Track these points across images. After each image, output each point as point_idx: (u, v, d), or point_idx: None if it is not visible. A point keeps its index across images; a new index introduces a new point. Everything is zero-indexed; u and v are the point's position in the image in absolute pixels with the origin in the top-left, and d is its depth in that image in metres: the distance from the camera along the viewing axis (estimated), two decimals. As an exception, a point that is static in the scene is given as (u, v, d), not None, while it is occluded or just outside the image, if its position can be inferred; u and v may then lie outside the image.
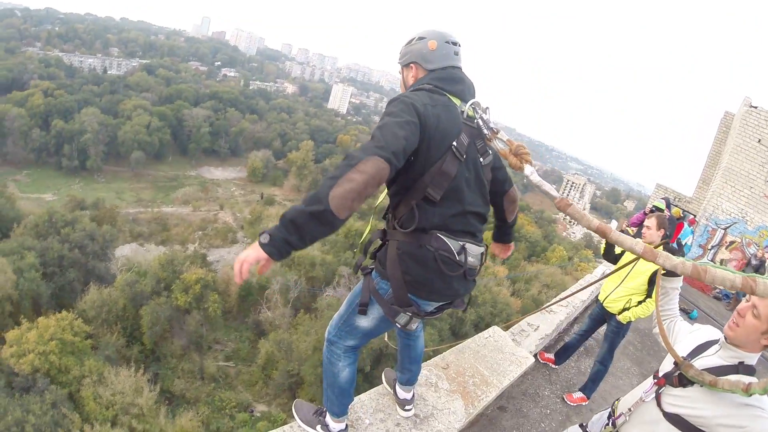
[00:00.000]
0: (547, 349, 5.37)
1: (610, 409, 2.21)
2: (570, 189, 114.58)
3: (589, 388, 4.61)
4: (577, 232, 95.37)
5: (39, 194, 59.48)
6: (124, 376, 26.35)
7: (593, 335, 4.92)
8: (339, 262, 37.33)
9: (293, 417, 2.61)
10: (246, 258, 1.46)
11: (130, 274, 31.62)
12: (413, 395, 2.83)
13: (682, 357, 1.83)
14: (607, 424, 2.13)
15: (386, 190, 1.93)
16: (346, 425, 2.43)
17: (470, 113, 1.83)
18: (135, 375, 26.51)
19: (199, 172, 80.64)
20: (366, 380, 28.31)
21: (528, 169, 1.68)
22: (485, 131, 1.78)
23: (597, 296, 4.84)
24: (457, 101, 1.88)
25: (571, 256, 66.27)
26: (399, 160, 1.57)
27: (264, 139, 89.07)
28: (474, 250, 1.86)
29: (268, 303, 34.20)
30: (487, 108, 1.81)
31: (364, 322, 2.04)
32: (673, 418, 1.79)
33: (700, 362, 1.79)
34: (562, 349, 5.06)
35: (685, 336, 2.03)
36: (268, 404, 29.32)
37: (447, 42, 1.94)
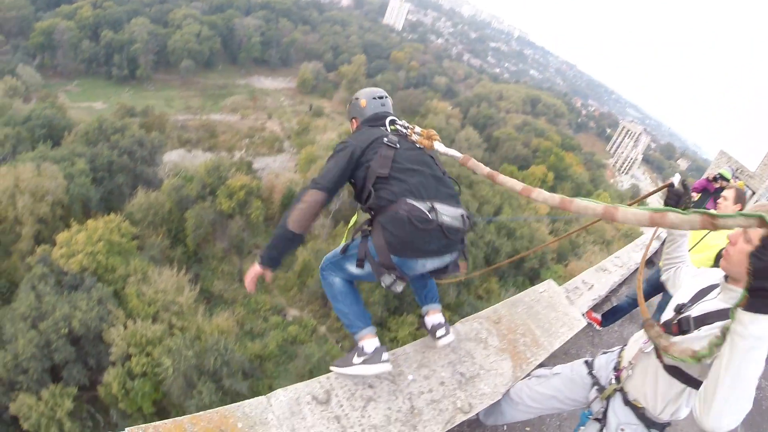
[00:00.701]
0: (594, 308, 5.13)
1: (616, 360, 2.21)
2: (625, 136, 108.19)
3: (609, 318, 4.80)
4: (625, 182, 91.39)
5: (89, 103, 60.68)
6: (167, 276, 27.75)
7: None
8: None
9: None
10: (250, 274, 2.25)
11: (176, 179, 32.63)
12: (445, 321, 2.79)
13: (683, 303, 1.85)
14: (613, 379, 2.15)
15: (358, 204, 2.35)
16: (377, 337, 2.54)
17: (392, 128, 2.48)
18: (177, 275, 27.92)
19: (248, 81, 79.95)
20: (397, 297, 29.05)
21: (436, 145, 2.35)
22: (404, 131, 2.43)
23: (653, 260, 4.66)
24: (383, 128, 2.50)
25: (615, 204, 63.90)
26: (334, 185, 2.23)
27: (315, 51, 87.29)
28: (447, 210, 2.14)
29: (309, 212, 34.74)
30: (403, 123, 2.49)
31: (355, 270, 2.32)
32: (671, 370, 1.79)
33: (701, 307, 1.75)
34: (611, 312, 4.89)
35: (688, 281, 2.02)
36: (301, 310, 30.71)
37: (374, 98, 2.63)
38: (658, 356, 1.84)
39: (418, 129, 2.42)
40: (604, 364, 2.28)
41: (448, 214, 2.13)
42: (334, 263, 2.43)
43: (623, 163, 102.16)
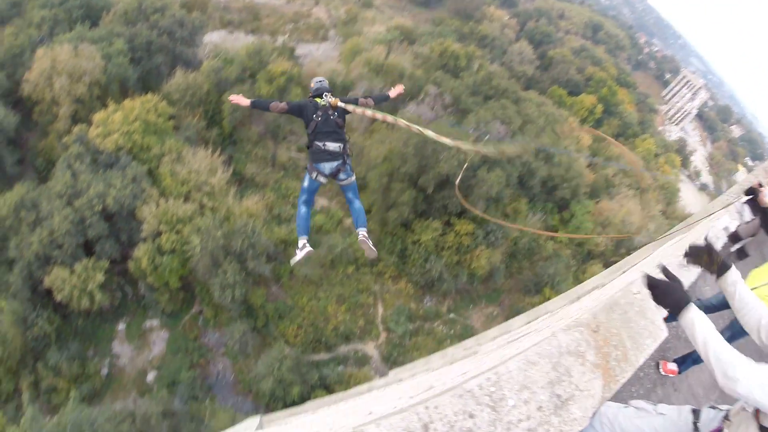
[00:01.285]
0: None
1: (724, 413, 2.26)
2: (683, 86, 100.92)
3: (686, 364, 4.33)
4: (673, 133, 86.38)
5: (129, -19, 59.00)
6: (201, 157, 27.71)
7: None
8: (428, 79, 35.77)
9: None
10: (240, 100, 4.81)
11: (216, 60, 31.90)
12: (367, 237, 4.81)
13: None
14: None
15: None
16: (306, 242, 4.74)
17: (323, 103, 4.87)
18: (211, 156, 27.85)
19: (296, -37, 75.67)
20: (426, 201, 28.60)
21: (340, 103, 4.87)
22: (327, 104, 4.84)
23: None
24: (318, 100, 4.92)
25: (658, 153, 60.88)
26: (290, 109, 4.90)
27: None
28: (331, 145, 4.75)
29: (348, 104, 33.96)
30: (328, 95, 4.97)
31: (305, 183, 4.90)
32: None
33: None
34: (691, 359, 4.43)
35: None
36: (329, 200, 30.80)
37: (316, 82, 5.14)
38: (757, 417, 1.96)
39: (332, 98, 4.88)
40: (711, 418, 2.33)
41: (332, 146, 4.73)
42: (300, 192, 4.98)
43: (676, 113, 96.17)
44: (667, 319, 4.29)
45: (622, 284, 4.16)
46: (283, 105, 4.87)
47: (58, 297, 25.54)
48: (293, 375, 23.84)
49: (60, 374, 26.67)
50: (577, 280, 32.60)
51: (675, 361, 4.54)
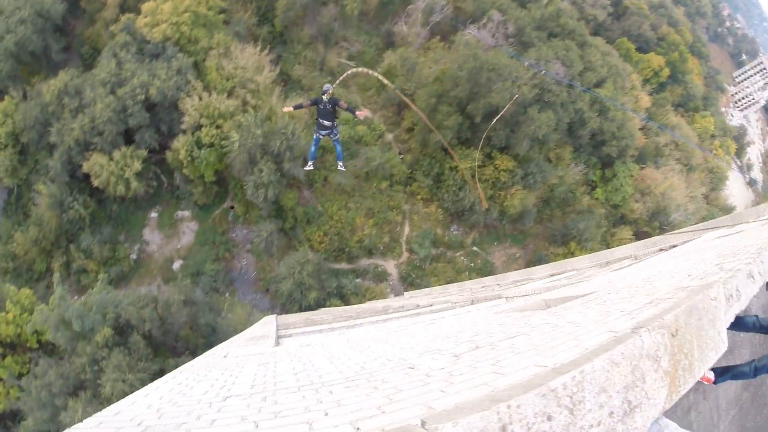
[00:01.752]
0: None
1: None
2: (757, 72, 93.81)
3: (724, 377, 4.15)
4: (735, 118, 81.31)
5: None
6: (249, 53, 27.14)
7: None
8: (493, 3, 33.93)
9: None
10: (287, 109, 9.74)
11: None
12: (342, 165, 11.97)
13: None
14: None
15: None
16: (311, 164, 11.52)
17: (324, 98, 10.08)
18: (259, 54, 27.26)
19: None
20: (471, 129, 27.57)
21: (332, 98, 10.28)
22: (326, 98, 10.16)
23: None
24: (323, 97, 10.13)
25: (715, 134, 57.56)
26: (312, 102, 10.23)
27: None
28: (325, 122, 10.40)
29: (407, 18, 33.05)
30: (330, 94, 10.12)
31: (314, 136, 10.91)
32: None
33: None
34: (729, 372, 4.25)
35: None
36: (374, 112, 30.22)
37: (324, 86, 10.14)
38: None
39: (330, 93, 9.92)
40: None
41: (325, 123, 10.36)
42: (313, 141, 11.03)
43: (742, 99, 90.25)
44: (715, 380, 4.27)
45: (685, 277, 3.88)
46: (308, 102, 10.30)
47: (95, 183, 26.15)
48: (312, 280, 24.13)
49: (91, 257, 27.55)
50: (605, 242, 31.87)
51: (713, 369, 4.32)
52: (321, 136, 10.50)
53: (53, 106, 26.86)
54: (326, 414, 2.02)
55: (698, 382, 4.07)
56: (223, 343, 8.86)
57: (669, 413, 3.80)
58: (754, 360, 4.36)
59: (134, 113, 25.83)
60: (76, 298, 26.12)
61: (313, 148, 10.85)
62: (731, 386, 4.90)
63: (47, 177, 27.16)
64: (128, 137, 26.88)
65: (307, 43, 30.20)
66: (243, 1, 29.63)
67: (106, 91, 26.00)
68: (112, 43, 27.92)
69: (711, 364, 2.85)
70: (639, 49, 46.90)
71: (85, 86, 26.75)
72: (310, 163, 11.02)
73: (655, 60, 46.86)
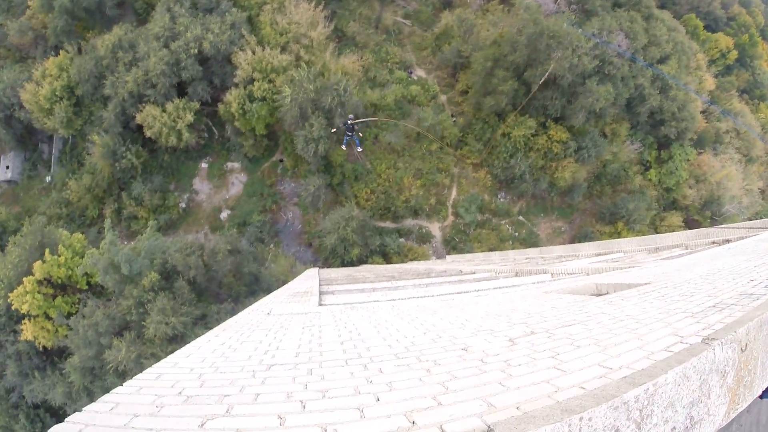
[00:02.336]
0: None
1: None
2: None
3: None
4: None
5: None
6: (303, 9, 26.97)
7: None
8: None
9: None
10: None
11: None
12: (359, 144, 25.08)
13: None
14: None
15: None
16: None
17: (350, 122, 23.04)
18: (314, 9, 27.04)
19: None
20: (526, 96, 26.90)
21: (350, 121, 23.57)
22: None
23: None
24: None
25: (788, 126, 54.24)
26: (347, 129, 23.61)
27: None
28: (348, 133, 23.72)
29: (467, -24, 32.07)
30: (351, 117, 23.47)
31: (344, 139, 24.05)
32: None
33: None
34: None
35: None
36: (428, 72, 29.80)
37: (350, 116, 23.69)
38: None
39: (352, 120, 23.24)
40: None
41: (348, 134, 23.31)
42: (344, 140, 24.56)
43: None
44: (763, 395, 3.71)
45: (746, 282, 3.73)
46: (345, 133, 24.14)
47: (148, 133, 26.75)
48: (356, 236, 24.21)
49: (141, 204, 28.43)
50: (653, 225, 30.74)
51: None
52: (347, 139, 23.61)
53: (107, 59, 27.57)
54: (378, 399, 1.86)
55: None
56: (267, 296, 8.70)
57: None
58: None
59: (187, 66, 26.17)
60: (125, 243, 26.96)
61: (344, 140, 23.88)
62: None
63: (101, 127, 27.93)
64: (181, 90, 27.35)
65: (362, 1, 29.84)
66: (300, -46, 29.25)
67: (160, 45, 26.41)
68: (166, -1, 28.26)
69: None
70: (707, 28, 44.30)
71: (139, 40, 27.34)
72: (342, 146, 20.88)
73: (723, 41, 44.16)
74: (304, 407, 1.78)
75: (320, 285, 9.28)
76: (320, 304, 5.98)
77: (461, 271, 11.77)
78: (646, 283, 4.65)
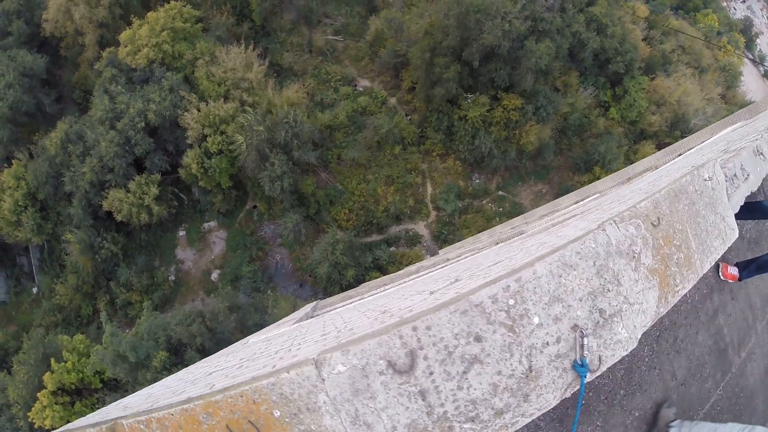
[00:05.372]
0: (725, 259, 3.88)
1: None
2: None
3: (749, 270, 3.71)
4: (739, 10, 77.92)
5: None
6: (235, 54, 27.06)
7: None
8: None
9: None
10: None
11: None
12: None
13: None
14: None
15: None
16: None
17: None
18: (245, 51, 27.16)
19: None
20: (472, 75, 27.12)
21: None
22: None
23: None
24: None
25: (721, 31, 55.18)
26: None
27: None
28: None
29: (383, -24, 32.38)
30: None
31: None
32: None
33: None
34: (755, 264, 3.74)
35: None
36: (372, 80, 30.00)
37: None
38: None
39: None
40: None
41: None
42: None
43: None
44: (741, 277, 3.82)
45: (685, 166, 3.30)
46: None
47: (119, 217, 26.59)
48: (347, 258, 24.21)
49: (132, 289, 28.18)
50: (629, 160, 30.96)
51: (737, 265, 3.82)
52: None
53: (60, 156, 27.44)
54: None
55: (722, 281, 3.74)
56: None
57: (686, 321, 3.41)
58: None
59: (138, 142, 26.13)
60: (127, 331, 26.74)
61: None
62: (765, 281, 4.31)
63: (72, 225, 27.73)
64: (139, 166, 27.26)
65: (290, 29, 29.96)
66: (216, 4, 29.42)
67: (106, 128, 26.41)
68: (100, 81, 28.23)
69: (716, 257, 2.53)
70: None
71: (85, 129, 27.26)
72: None
73: (645, -34, 44.89)
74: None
75: (314, 310, 9.18)
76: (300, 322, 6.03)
77: (448, 259, 11.72)
78: (594, 209, 4.54)
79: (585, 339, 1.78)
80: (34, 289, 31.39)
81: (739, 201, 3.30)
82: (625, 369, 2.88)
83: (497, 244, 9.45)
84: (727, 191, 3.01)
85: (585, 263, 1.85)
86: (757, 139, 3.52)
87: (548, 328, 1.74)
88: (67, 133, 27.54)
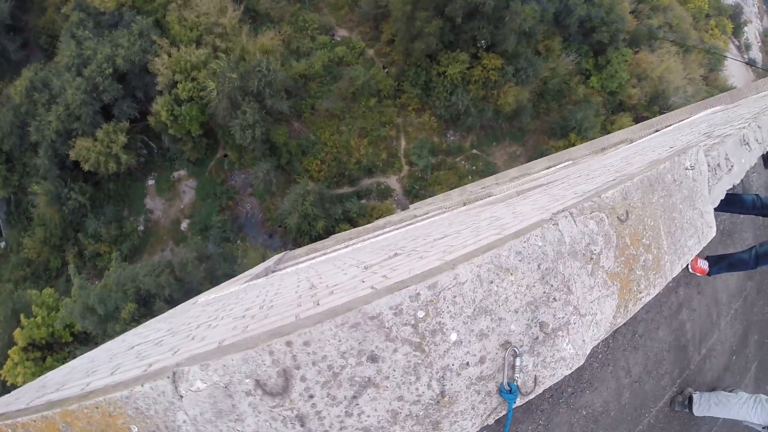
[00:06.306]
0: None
1: None
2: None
3: (720, 267, 3.56)
4: (729, -5, 78.04)
5: None
6: (208, -4, 26.31)
7: None
8: None
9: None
10: None
11: None
12: None
13: None
14: None
15: None
16: None
17: None
18: (220, -5, 26.41)
19: None
20: (453, 32, 26.68)
21: None
22: None
23: None
24: None
25: (709, 14, 55.30)
26: None
27: None
28: None
29: None
30: None
31: None
32: None
33: None
34: (726, 261, 3.59)
35: None
36: (350, 30, 29.42)
37: None
38: None
39: None
40: None
41: None
42: None
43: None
44: (710, 271, 3.68)
45: (662, 145, 3.02)
46: None
47: (86, 167, 25.88)
48: (317, 209, 24.03)
49: (101, 240, 27.72)
50: (605, 130, 31.05)
51: (707, 258, 3.65)
52: None
53: (25, 105, 26.55)
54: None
55: (690, 274, 3.51)
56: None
57: (648, 315, 3.20)
58: (755, 246, 3.61)
59: (106, 88, 25.31)
60: (96, 283, 26.32)
61: None
62: (732, 277, 4.14)
63: (38, 176, 27.07)
64: (107, 114, 26.42)
65: (267, -27, 29.13)
66: (189, -55, 28.24)
67: (73, 75, 25.48)
68: (67, 25, 27.17)
69: (691, 256, 2.22)
70: None
71: (51, 76, 26.30)
72: None
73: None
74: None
75: (276, 264, 8.85)
76: (254, 280, 5.73)
77: (415, 216, 11.53)
78: (560, 180, 4.26)
79: (518, 359, 1.49)
80: (2, 244, 30.69)
81: (720, 195, 3.01)
82: (576, 366, 2.70)
83: (465, 204, 9.30)
84: (708, 183, 2.63)
85: (526, 266, 1.52)
86: (743, 128, 3.26)
87: (470, 346, 1.44)
88: (32, 80, 26.62)
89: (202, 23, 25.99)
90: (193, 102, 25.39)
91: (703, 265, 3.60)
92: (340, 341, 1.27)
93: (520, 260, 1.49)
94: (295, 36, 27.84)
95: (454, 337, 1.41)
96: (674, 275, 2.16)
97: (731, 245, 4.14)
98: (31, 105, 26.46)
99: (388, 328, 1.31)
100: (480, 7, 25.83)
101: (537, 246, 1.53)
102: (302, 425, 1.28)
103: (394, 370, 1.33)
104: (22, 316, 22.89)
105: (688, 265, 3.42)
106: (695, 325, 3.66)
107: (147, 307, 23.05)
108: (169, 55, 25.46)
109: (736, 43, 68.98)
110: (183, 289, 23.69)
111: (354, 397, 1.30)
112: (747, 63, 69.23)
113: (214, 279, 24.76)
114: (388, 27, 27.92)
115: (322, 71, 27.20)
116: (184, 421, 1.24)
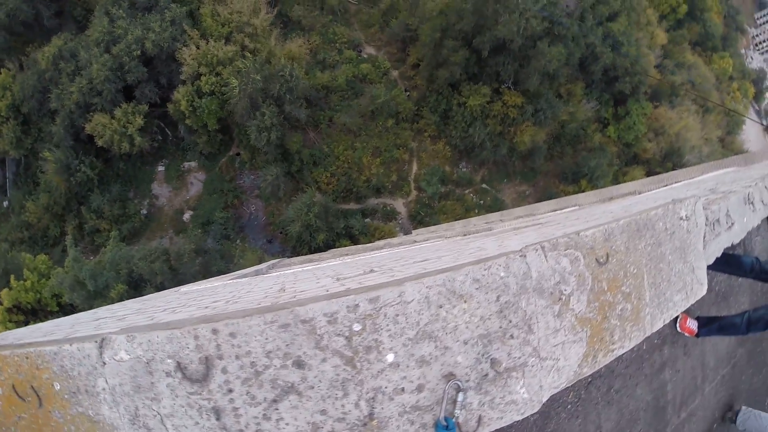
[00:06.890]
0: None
1: None
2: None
3: (710, 329, 3.44)
4: (756, 60, 78.21)
5: None
6: (244, -4, 26.57)
7: None
8: None
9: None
10: None
11: None
12: None
13: None
14: None
15: None
16: None
17: None
18: (255, -4, 26.69)
19: None
20: (478, 64, 26.82)
21: None
22: None
23: None
24: None
25: (733, 76, 55.44)
26: None
27: None
28: None
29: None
30: None
31: None
32: None
33: None
34: (717, 324, 3.47)
35: None
36: (378, 49, 29.62)
37: None
38: None
39: None
40: None
41: None
42: None
43: (764, 41, 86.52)
44: (699, 333, 3.51)
45: (665, 198, 2.77)
46: None
47: (100, 142, 26.00)
48: (320, 221, 24.03)
49: (102, 216, 27.74)
50: (616, 180, 31.13)
51: (698, 319, 3.51)
52: None
53: (50, 72, 26.77)
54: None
55: (678, 333, 3.38)
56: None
57: (627, 370, 3.04)
58: (748, 311, 3.45)
59: (131, 69, 25.51)
60: (91, 258, 26.36)
61: None
62: (723, 341, 4.00)
63: (52, 143, 27.20)
64: (128, 94, 26.59)
65: (305, -19, 29.46)
66: (236, -58, 28.57)
67: (101, 51, 25.70)
68: (103, 1, 27.32)
69: (676, 312, 2.09)
70: (655, -22, 44.73)
71: (80, 48, 26.50)
72: None
73: (673, -5, 44.71)
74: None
75: (269, 268, 8.86)
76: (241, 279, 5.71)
77: (415, 241, 11.52)
78: (551, 222, 4.25)
79: (461, 393, 1.38)
80: (5, 203, 30.80)
81: (716, 252, 2.82)
82: (541, 414, 2.48)
83: (465, 236, 9.32)
84: (704, 238, 2.49)
85: (484, 296, 1.41)
86: (749, 186, 3.14)
87: (407, 371, 1.33)
88: (61, 49, 26.83)
89: (234, 21, 26.23)
90: (214, 96, 25.54)
91: (693, 325, 3.48)
92: (266, 339, 1.23)
93: (476, 288, 1.40)
94: (323, 47, 28.10)
95: (390, 358, 1.32)
96: (654, 330, 2.02)
97: (725, 308, 3.97)
98: (56, 73, 26.70)
99: (319, 335, 1.25)
100: (507, 44, 26.02)
101: (498, 276, 1.44)
102: (218, 419, 1.25)
103: (321, 381, 1.28)
104: (12, 278, 22.90)
105: (676, 323, 3.43)
106: (677, 387, 3.52)
107: (137, 290, 22.97)
108: (198, 47, 25.67)
109: (756, 108, 69.18)
110: (175, 279, 23.62)
111: (275, 400, 1.26)
112: (766, 128, 69.54)
113: (208, 274, 24.73)
114: (415, 51, 28.19)
115: (344, 85, 27.39)
116: (104, 389, 1.26)
